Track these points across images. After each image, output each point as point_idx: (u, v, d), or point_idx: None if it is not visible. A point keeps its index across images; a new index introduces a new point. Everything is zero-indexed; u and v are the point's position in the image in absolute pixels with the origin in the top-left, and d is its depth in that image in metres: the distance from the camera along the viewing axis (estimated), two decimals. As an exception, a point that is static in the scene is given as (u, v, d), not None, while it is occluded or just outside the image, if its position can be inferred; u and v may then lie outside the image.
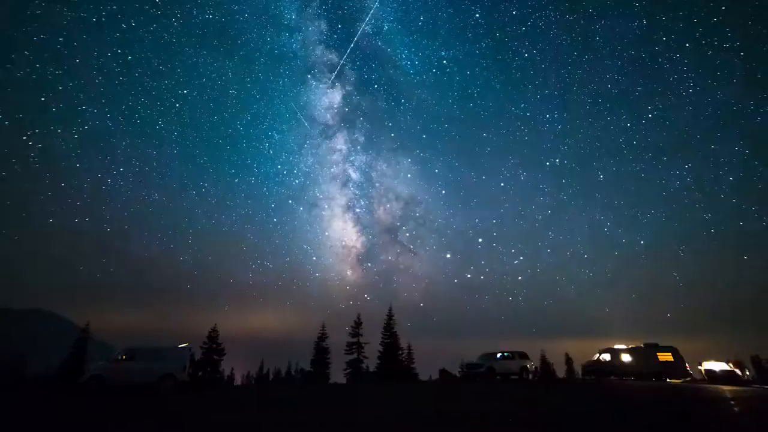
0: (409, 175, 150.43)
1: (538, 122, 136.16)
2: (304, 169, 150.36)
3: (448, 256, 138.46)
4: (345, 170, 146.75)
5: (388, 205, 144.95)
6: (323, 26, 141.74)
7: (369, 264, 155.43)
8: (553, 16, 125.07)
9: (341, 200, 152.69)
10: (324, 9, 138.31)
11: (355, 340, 37.89)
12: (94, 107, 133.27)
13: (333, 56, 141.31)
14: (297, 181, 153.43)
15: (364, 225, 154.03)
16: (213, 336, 34.53)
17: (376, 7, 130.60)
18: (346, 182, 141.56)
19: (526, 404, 11.04)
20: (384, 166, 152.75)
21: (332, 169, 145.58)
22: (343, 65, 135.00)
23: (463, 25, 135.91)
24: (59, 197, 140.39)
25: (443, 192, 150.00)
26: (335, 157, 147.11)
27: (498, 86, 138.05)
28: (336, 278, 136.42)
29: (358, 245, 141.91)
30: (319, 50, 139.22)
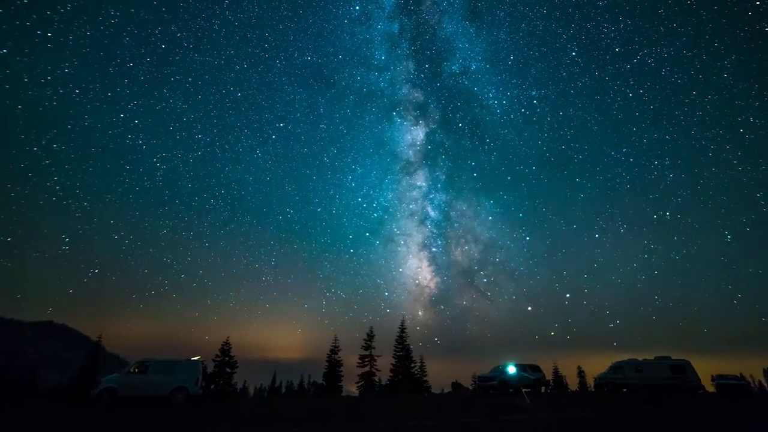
0: (490, 218, 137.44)
1: (644, 169, 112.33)
2: (383, 203, 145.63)
3: (530, 308, 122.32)
4: (423, 207, 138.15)
5: (466, 247, 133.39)
6: (411, 66, 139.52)
7: (442, 306, 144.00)
8: (665, 53, 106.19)
9: (418, 238, 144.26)
10: (413, 50, 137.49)
11: (367, 353, 37.20)
12: (207, 136, 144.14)
13: (418, 94, 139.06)
14: (375, 215, 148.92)
15: (439, 265, 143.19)
16: (225, 349, 34.08)
17: (465, 47, 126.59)
18: (423, 220, 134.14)
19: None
20: (464, 207, 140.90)
21: (411, 206, 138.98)
22: (428, 103, 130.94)
23: (557, 63, 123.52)
24: (173, 212, 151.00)
25: (527, 238, 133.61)
26: (414, 193, 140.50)
27: (595, 128, 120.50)
28: (407, 316, 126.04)
29: (432, 285, 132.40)
30: (405, 89, 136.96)
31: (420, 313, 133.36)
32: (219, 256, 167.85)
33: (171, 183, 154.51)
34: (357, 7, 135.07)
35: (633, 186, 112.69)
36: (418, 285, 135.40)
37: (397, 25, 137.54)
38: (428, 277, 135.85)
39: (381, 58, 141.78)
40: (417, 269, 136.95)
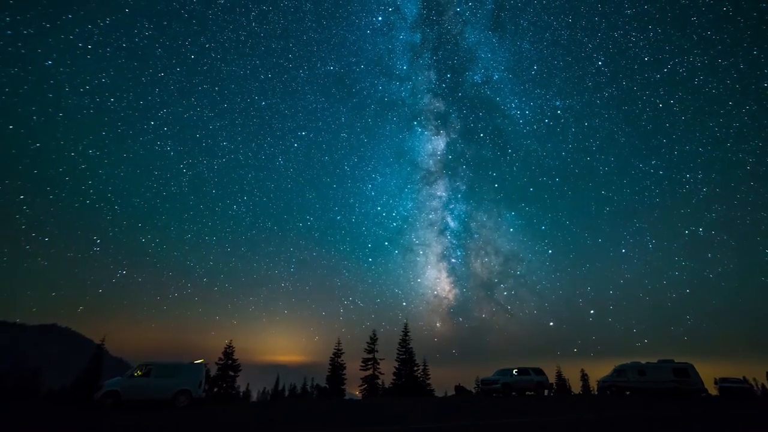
0: (511, 230, 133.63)
1: (675, 183, 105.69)
2: (402, 212, 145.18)
3: (552, 324, 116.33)
4: (443, 218, 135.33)
5: (486, 259, 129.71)
6: (432, 76, 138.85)
7: (461, 318, 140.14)
8: (699, 62, 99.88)
9: (437, 248, 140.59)
10: (434, 60, 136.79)
11: (370, 356, 37.12)
12: (232, 143, 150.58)
13: (440, 104, 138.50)
14: (395, 224, 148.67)
15: (458, 277, 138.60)
16: (229, 352, 34.08)
17: (487, 56, 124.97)
18: (443, 230, 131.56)
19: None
20: (484, 218, 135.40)
21: (430, 216, 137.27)
22: (449, 113, 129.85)
23: (582, 73, 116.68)
24: (198, 218, 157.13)
25: (550, 252, 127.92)
26: (434, 203, 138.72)
27: (623, 139, 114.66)
28: (424, 327, 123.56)
29: (451, 297, 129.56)
30: (426, 98, 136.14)
31: (438, 324, 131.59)
32: (240, 261, 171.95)
33: (196, 189, 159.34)
34: (380, 18, 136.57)
35: (663, 200, 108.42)
36: (436, 296, 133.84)
37: (419, 35, 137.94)
38: (447, 288, 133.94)
39: (402, 67, 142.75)
40: (436, 280, 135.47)
